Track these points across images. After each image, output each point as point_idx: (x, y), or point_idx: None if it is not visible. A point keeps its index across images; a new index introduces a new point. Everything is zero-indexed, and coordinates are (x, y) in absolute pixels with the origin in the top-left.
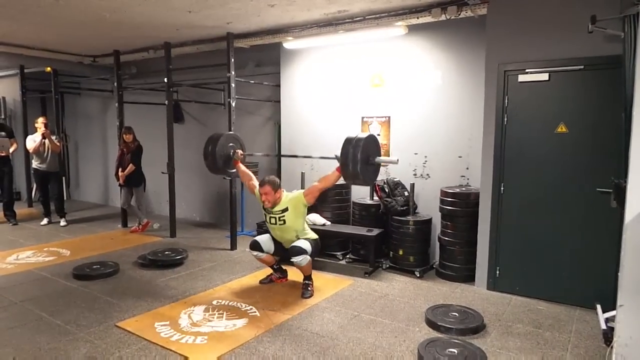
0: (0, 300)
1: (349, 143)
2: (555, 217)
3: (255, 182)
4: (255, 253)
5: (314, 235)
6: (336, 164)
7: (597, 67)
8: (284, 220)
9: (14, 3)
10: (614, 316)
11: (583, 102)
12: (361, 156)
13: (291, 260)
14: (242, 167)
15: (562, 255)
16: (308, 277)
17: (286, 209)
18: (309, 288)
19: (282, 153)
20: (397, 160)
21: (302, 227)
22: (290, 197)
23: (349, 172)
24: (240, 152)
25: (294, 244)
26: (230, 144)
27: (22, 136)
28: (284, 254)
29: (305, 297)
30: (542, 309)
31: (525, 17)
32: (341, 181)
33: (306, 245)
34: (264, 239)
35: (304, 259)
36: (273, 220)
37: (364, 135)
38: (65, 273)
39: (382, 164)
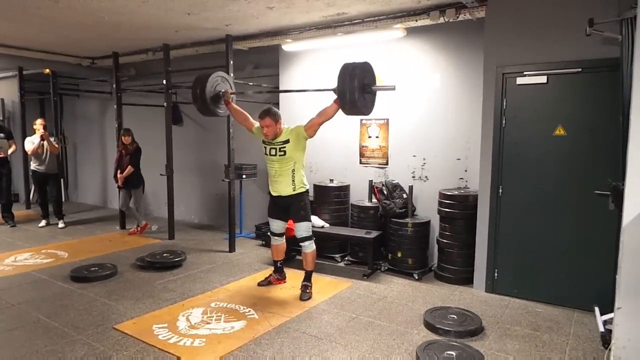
0: None
1: (345, 70)
2: (553, 220)
3: (253, 121)
4: (276, 238)
5: (305, 186)
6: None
7: (595, 70)
8: (285, 151)
9: (13, 4)
10: (612, 319)
11: (581, 104)
12: (358, 83)
13: (299, 244)
14: (234, 105)
15: (561, 257)
16: (308, 277)
17: (287, 141)
18: (308, 290)
19: None
20: (394, 87)
21: (302, 163)
22: (292, 129)
23: (347, 100)
24: (230, 91)
25: (297, 232)
26: (218, 84)
27: (20, 138)
28: (288, 216)
29: (304, 300)
30: (540, 311)
31: (523, 20)
32: (339, 183)
33: (307, 229)
34: (273, 224)
35: (309, 245)
36: (273, 152)
37: (360, 62)
38: (63, 275)
39: (378, 90)
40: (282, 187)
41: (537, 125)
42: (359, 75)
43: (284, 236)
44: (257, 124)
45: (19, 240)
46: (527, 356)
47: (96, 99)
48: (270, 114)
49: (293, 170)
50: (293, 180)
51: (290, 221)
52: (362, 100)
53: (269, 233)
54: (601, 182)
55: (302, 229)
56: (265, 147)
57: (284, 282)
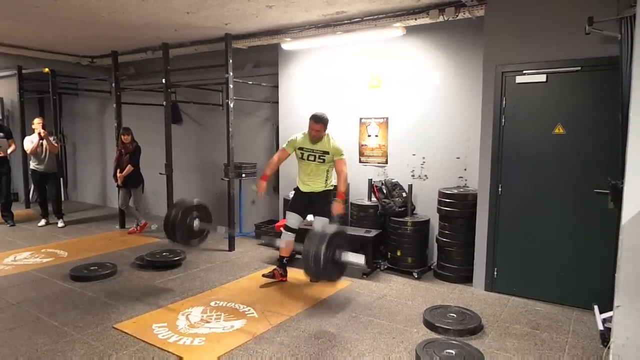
0: None
1: (312, 239)
2: (553, 218)
3: (283, 151)
4: (289, 234)
5: (332, 186)
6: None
7: (594, 69)
8: (324, 159)
9: (11, 3)
10: (611, 317)
11: (580, 103)
12: (325, 257)
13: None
14: (271, 170)
15: (560, 256)
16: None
17: (327, 152)
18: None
19: None
20: (364, 263)
21: (332, 170)
22: (333, 146)
23: (312, 271)
24: (254, 187)
25: (316, 224)
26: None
27: (20, 137)
28: (309, 211)
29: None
30: (539, 309)
31: (522, 19)
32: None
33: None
34: (291, 218)
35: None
36: (312, 157)
37: (331, 229)
38: (63, 274)
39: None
40: (316, 185)
41: (537, 124)
42: (327, 247)
43: (296, 232)
44: (289, 150)
45: (19, 240)
46: (526, 354)
47: (95, 98)
48: (323, 120)
49: (327, 171)
50: (326, 180)
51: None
52: (329, 271)
53: (282, 229)
54: (600, 181)
55: (323, 222)
56: (303, 153)
57: (285, 280)
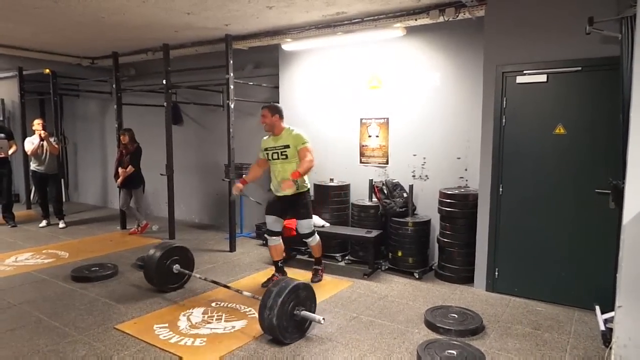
0: None
1: (269, 294)
2: (554, 218)
3: (259, 159)
4: (273, 238)
5: (307, 186)
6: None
7: (595, 69)
8: (286, 155)
9: (12, 4)
10: (612, 317)
11: (581, 103)
12: (279, 311)
13: (303, 240)
14: (249, 177)
15: (561, 256)
16: (318, 261)
17: (287, 146)
18: (319, 273)
19: None
20: (322, 320)
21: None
22: (293, 135)
23: (265, 323)
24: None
25: (300, 229)
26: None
27: (21, 138)
28: (284, 214)
29: (314, 282)
30: (541, 310)
31: (523, 19)
32: (339, 182)
33: (309, 226)
34: (271, 221)
35: (313, 239)
36: (275, 156)
37: (292, 283)
38: (64, 275)
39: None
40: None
41: (537, 124)
42: (283, 301)
43: (281, 236)
44: (260, 154)
45: (20, 240)
46: (528, 355)
47: (96, 99)
48: (268, 107)
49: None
50: (296, 181)
51: (290, 220)
52: (285, 327)
53: (265, 235)
54: (601, 181)
55: (304, 226)
56: (268, 154)
57: None
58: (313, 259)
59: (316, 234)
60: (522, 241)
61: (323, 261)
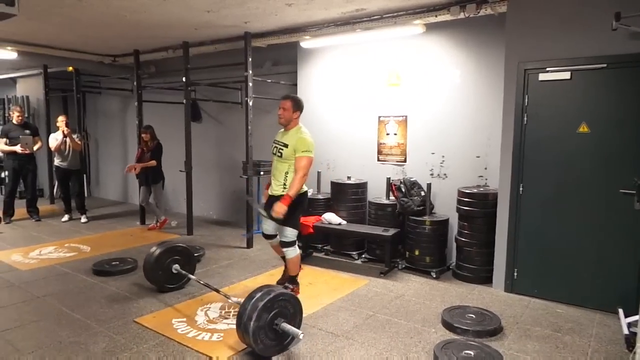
0: (23, 295)
1: (250, 299)
2: (576, 219)
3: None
4: (270, 241)
5: (303, 189)
6: None
7: (621, 66)
8: (281, 153)
9: (37, 4)
10: (636, 321)
11: (606, 101)
12: (258, 319)
13: (282, 249)
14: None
15: (583, 257)
16: (291, 279)
17: (287, 145)
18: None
19: None
20: (301, 335)
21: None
22: (298, 138)
23: (240, 330)
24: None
25: (281, 236)
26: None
27: (45, 134)
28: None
29: None
30: (561, 312)
31: (546, 15)
32: (357, 180)
33: (292, 235)
34: (263, 223)
35: (293, 250)
36: (275, 151)
37: (276, 290)
38: (86, 269)
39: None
40: (275, 187)
41: (560, 122)
42: (262, 309)
43: (276, 236)
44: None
45: (44, 234)
46: (547, 357)
47: (117, 96)
48: (291, 98)
49: (286, 173)
50: (284, 183)
51: (307, 218)
52: (262, 338)
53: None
54: (626, 181)
55: (284, 233)
56: (272, 146)
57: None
58: (319, 269)
59: (297, 247)
60: (542, 242)
61: (339, 259)
